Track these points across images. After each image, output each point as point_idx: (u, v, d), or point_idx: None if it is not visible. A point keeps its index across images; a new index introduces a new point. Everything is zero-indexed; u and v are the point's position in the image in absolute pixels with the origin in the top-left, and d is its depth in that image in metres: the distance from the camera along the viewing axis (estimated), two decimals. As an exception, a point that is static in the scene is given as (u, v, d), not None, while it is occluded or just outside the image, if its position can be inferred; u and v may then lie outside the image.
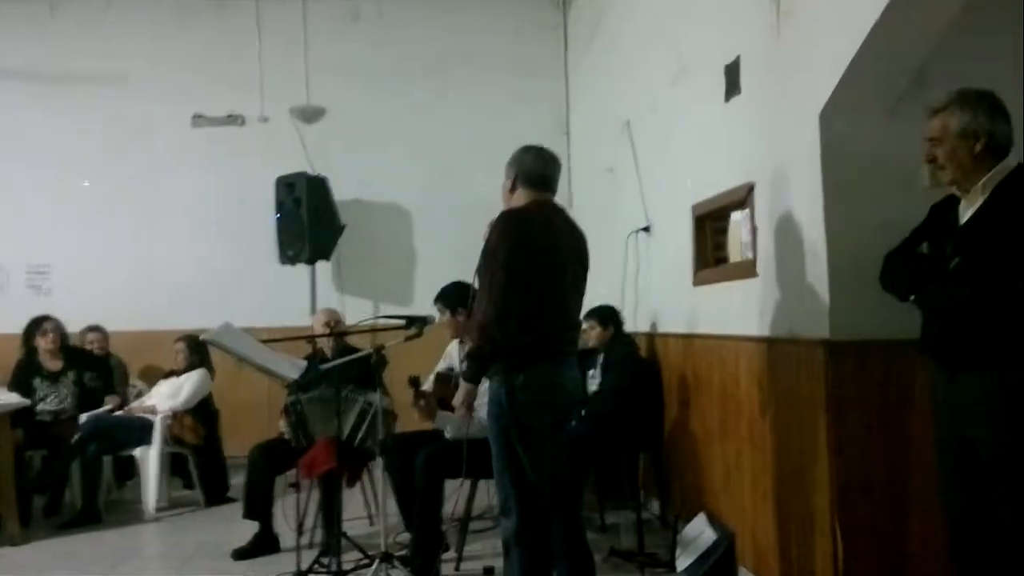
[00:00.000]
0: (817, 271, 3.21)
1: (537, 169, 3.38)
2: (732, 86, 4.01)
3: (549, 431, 3.25)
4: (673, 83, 4.83)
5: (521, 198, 3.36)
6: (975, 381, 2.53)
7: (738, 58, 3.93)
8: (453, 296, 4.53)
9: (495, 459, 3.31)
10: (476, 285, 3.31)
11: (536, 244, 3.19)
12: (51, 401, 6.03)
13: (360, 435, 4.37)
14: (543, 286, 3.19)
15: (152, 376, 6.86)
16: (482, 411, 4.31)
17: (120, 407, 6.13)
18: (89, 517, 5.54)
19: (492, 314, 3.12)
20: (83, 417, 5.89)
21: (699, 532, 4.11)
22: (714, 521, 4.08)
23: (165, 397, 6.04)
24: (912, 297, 2.73)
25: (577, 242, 3.40)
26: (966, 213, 2.62)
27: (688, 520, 4.31)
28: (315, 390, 4.51)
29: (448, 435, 4.31)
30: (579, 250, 3.39)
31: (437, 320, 4.43)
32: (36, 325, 6.19)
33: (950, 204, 2.71)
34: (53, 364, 6.13)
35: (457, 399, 3.36)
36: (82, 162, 7.79)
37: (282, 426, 4.76)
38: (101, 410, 6.01)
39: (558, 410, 3.28)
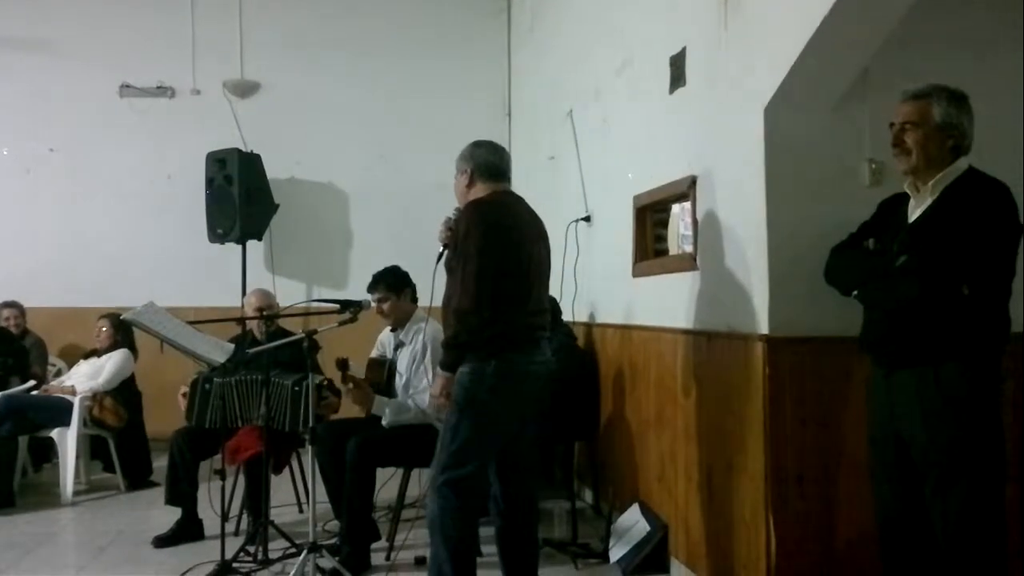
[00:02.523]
0: (757, 266, 3.20)
1: (493, 161, 3.48)
2: (677, 77, 3.98)
3: (510, 421, 3.29)
4: (617, 73, 4.79)
5: (480, 191, 3.43)
6: (911, 378, 2.56)
7: (684, 49, 3.90)
8: (397, 279, 4.48)
9: (442, 436, 3.30)
10: (447, 276, 3.32)
11: (505, 232, 3.26)
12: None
13: (289, 417, 4.21)
14: (515, 273, 3.26)
15: (73, 355, 6.63)
16: (420, 398, 4.27)
17: (37, 387, 5.90)
18: (2, 500, 5.32)
19: (468, 302, 3.16)
20: (-3, 396, 5.66)
21: (633, 523, 4.12)
22: (648, 512, 4.10)
23: (85, 377, 5.84)
24: (855, 292, 2.75)
25: (539, 228, 3.49)
26: (915, 212, 2.64)
27: (622, 510, 4.32)
28: (241, 373, 4.37)
29: (385, 422, 4.24)
30: (542, 235, 3.48)
31: (373, 307, 4.35)
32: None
33: (898, 201, 2.73)
34: (-34, 341, 5.88)
35: (435, 388, 3.35)
36: (1, 130, 7.46)
37: (182, 398, 4.43)
38: (17, 389, 5.77)
39: (526, 399, 3.31)
